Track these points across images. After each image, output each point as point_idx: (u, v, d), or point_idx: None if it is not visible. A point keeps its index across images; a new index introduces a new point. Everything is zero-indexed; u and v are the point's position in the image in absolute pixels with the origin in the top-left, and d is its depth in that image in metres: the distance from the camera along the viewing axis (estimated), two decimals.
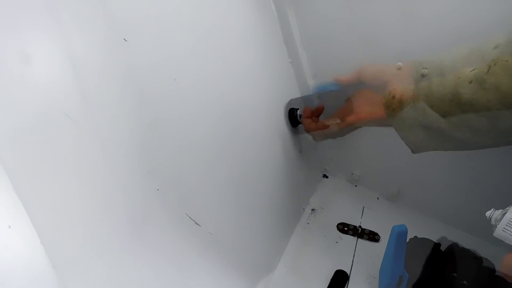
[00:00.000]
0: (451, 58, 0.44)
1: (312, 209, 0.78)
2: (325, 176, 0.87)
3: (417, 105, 0.44)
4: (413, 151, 0.49)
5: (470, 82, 0.39)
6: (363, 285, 0.61)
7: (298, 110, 0.66)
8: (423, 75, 0.46)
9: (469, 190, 0.65)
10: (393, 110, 0.46)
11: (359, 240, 0.70)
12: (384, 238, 0.69)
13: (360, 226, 0.72)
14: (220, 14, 0.53)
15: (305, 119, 0.62)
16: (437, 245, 0.57)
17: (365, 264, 0.64)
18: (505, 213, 0.40)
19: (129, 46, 0.37)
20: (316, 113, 0.60)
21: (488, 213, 0.44)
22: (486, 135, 0.41)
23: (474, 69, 0.39)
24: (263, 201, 0.60)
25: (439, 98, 0.42)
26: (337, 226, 0.73)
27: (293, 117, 0.66)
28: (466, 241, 0.55)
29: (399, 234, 0.50)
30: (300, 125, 0.66)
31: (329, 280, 0.62)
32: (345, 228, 0.72)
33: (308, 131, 0.63)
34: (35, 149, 0.27)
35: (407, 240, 0.52)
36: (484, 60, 0.39)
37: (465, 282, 0.48)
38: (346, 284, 0.61)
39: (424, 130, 0.45)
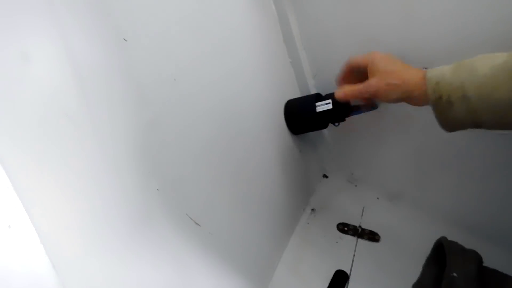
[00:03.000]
0: (473, 78, 0.40)
1: (312, 209, 0.78)
2: (325, 176, 0.87)
3: (470, 106, 0.40)
4: (448, 132, 0.45)
5: None
6: (363, 285, 0.61)
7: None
8: (441, 98, 0.42)
9: (469, 190, 0.65)
10: (440, 111, 0.43)
11: (359, 240, 0.70)
12: (384, 238, 0.69)
13: (360, 226, 0.72)
14: (220, 13, 0.53)
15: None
16: (439, 246, 0.57)
17: (365, 264, 0.64)
18: None
19: (129, 46, 0.37)
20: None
21: None
22: None
23: None
24: (263, 200, 0.60)
25: (494, 101, 0.38)
26: (337, 226, 0.73)
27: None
28: (466, 241, 0.54)
29: None
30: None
31: (329, 280, 0.62)
32: (345, 228, 0.72)
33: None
34: (35, 149, 0.27)
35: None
36: None
37: (454, 274, 0.48)
38: (346, 284, 0.61)
39: (473, 123, 0.42)
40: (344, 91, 0.53)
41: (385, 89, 0.48)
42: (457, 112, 0.42)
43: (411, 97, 0.46)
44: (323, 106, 0.61)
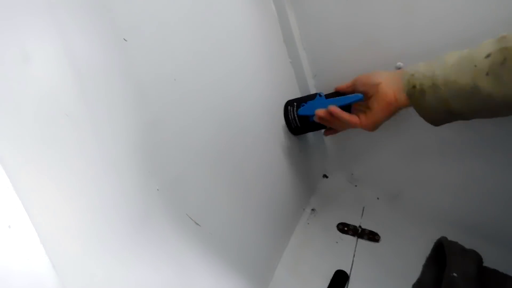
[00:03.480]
0: (442, 68, 0.44)
1: (312, 209, 0.78)
2: (325, 176, 0.87)
3: (438, 94, 0.44)
4: (434, 125, 0.50)
5: (487, 74, 0.39)
6: (363, 285, 0.61)
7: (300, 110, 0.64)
8: (414, 87, 0.47)
9: (469, 190, 0.65)
10: (415, 100, 0.47)
11: (359, 240, 0.70)
12: (384, 238, 0.69)
13: (360, 226, 0.72)
14: (220, 13, 0.53)
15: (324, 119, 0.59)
16: (439, 246, 0.57)
17: (365, 264, 0.64)
18: None
19: (129, 46, 0.37)
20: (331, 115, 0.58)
21: None
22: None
23: (488, 56, 0.39)
24: (263, 201, 0.60)
25: (459, 89, 0.42)
26: (337, 226, 0.73)
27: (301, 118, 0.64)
28: (466, 241, 0.55)
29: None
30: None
31: (329, 280, 0.62)
32: (345, 228, 0.72)
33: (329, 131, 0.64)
34: (35, 149, 0.27)
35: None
36: (477, 69, 0.40)
37: (454, 274, 0.48)
38: (346, 284, 0.61)
39: (446, 112, 0.45)
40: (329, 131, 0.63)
41: (366, 73, 0.54)
42: (429, 100, 0.46)
43: (396, 96, 0.50)
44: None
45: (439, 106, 0.45)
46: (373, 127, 0.54)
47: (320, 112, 0.57)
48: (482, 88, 0.39)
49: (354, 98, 0.56)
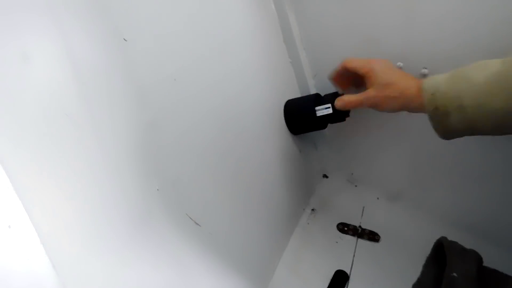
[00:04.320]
0: (469, 88, 0.40)
1: (312, 209, 0.78)
2: (325, 176, 0.87)
3: (465, 116, 0.40)
4: (445, 139, 0.46)
5: None
6: (363, 285, 0.61)
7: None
8: (437, 109, 0.42)
9: (469, 190, 0.65)
10: (438, 122, 0.44)
11: (359, 240, 0.70)
12: (384, 238, 0.69)
13: (360, 226, 0.72)
14: (220, 13, 0.53)
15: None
16: (439, 246, 0.57)
17: (365, 264, 0.64)
18: None
19: (129, 46, 0.37)
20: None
21: None
22: None
23: None
24: (263, 201, 0.60)
25: (490, 112, 0.38)
26: (337, 226, 0.73)
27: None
28: (466, 241, 0.54)
29: None
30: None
31: (329, 280, 0.62)
32: (345, 228, 0.72)
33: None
34: (35, 149, 0.27)
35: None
36: (508, 90, 0.36)
37: (454, 274, 0.48)
38: (346, 284, 0.61)
39: (469, 132, 0.42)
40: (344, 102, 0.55)
41: (384, 101, 0.49)
42: (453, 121, 0.42)
43: (409, 108, 0.47)
44: (323, 110, 0.62)
45: (463, 127, 0.42)
46: (383, 107, 0.50)
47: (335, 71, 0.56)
48: None
49: None
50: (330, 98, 0.61)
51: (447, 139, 0.46)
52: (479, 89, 0.39)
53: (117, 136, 0.34)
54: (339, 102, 0.56)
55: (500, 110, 0.38)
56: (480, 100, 0.39)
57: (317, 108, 0.62)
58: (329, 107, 0.61)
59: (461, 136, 0.44)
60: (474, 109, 0.40)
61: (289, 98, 0.69)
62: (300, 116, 0.66)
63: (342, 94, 0.60)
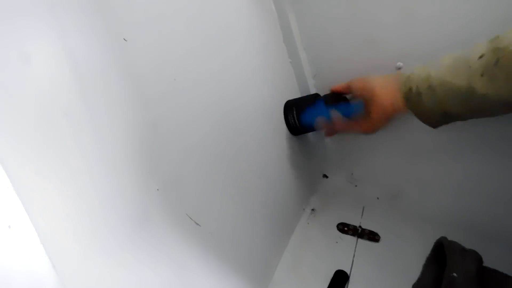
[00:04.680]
0: (437, 70, 0.44)
1: (312, 209, 0.78)
2: (325, 176, 0.87)
3: (435, 96, 0.44)
4: (432, 127, 0.50)
5: (482, 75, 0.39)
6: (363, 285, 0.61)
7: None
8: (411, 90, 0.47)
9: (469, 189, 0.65)
10: (412, 103, 0.47)
11: (359, 240, 0.70)
12: (384, 238, 0.69)
13: (360, 226, 0.72)
14: (220, 13, 0.53)
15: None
16: (439, 246, 0.57)
17: (365, 264, 0.64)
18: None
19: (129, 46, 0.37)
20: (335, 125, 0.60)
21: None
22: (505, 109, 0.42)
23: (481, 56, 0.39)
24: (263, 201, 0.60)
25: (454, 90, 0.42)
26: (337, 226, 0.73)
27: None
28: (466, 241, 0.54)
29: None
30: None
31: (329, 280, 0.62)
32: (345, 228, 0.72)
33: (332, 133, 0.64)
34: (35, 149, 0.27)
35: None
36: (472, 70, 0.40)
37: (454, 274, 0.48)
38: (346, 284, 0.61)
39: (443, 113, 0.46)
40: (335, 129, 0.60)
41: (364, 80, 0.54)
42: (426, 102, 0.46)
43: (387, 90, 0.51)
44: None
45: (435, 107, 0.45)
46: (373, 131, 0.56)
47: (323, 124, 0.60)
48: (477, 89, 0.40)
49: (355, 111, 0.57)
50: (329, 99, 0.62)
51: (432, 126, 0.49)
52: (445, 69, 0.43)
53: (117, 136, 0.34)
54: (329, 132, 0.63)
55: (463, 89, 0.41)
56: (445, 79, 0.43)
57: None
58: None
59: (443, 122, 0.47)
60: (441, 89, 0.43)
61: (289, 98, 0.69)
62: (303, 124, 0.66)
63: (340, 96, 0.60)
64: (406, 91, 0.48)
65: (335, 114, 0.58)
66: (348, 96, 0.62)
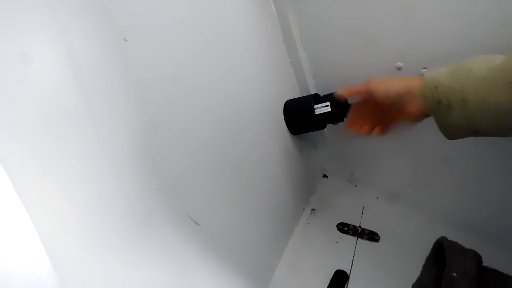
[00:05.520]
0: (472, 82, 0.39)
1: (312, 209, 0.78)
2: (325, 176, 0.87)
3: (466, 111, 0.40)
4: (449, 139, 0.45)
5: None
6: (363, 285, 0.61)
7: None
8: (440, 102, 0.42)
9: (469, 190, 0.65)
10: (439, 115, 0.43)
11: (359, 240, 0.70)
12: (384, 238, 0.69)
13: (360, 226, 0.72)
14: (220, 14, 0.53)
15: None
16: (439, 246, 0.57)
17: (365, 264, 0.64)
18: None
19: (129, 46, 0.37)
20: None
21: None
22: None
23: None
24: (263, 201, 0.60)
25: (491, 107, 0.38)
26: (337, 226, 0.73)
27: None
28: (466, 241, 0.54)
29: None
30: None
31: (329, 280, 0.62)
32: (345, 228, 0.72)
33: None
34: (36, 149, 0.27)
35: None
36: (510, 86, 0.36)
37: (454, 274, 0.48)
38: (346, 284, 0.61)
39: (470, 129, 0.42)
40: (345, 88, 0.52)
41: (384, 83, 0.47)
42: (456, 116, 0.41)
43: (408, 100, 0.45)
44: (321, 108, 0.62)
45: (464, 122, 0.41)
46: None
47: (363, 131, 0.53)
48: None
49: None
50: (329, 98, 0.62)
51: (451, 138, 0.45)
52: (481, 83, 0.38)
53: (117, 136, 0.34)
54: (339, 90, 0.52)
55: (501, 106, 0.37)
56: (481, 94, 0.38)
57: (315, 106, 0.62)
58: (327, 105, 0.61)
59: (464, 136, 0.43)
60: (476, 104, 0.39)
61: (289, 98, 0.69)
62: (299, 115, 0.66)
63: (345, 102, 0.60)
64: (434, 103, 0.43)
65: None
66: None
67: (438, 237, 0.57)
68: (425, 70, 0.56)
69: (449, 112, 0.41)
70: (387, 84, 0.47)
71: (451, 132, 0.44)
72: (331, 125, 0.67)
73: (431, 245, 0.59)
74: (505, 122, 0.38)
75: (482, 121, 0.39)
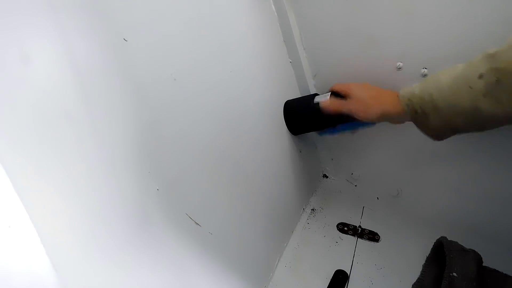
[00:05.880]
0: (439, 90, 0.44)
1: (312, 209, 0.78)
2: (325, 176, 0.87)
3: (441, 116, 0.44)
4: (437, 140, 0.49)
5: (485, 96, 0.39)
6: (363, 285, 0.61)
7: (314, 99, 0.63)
8: (416, 112, 0.47)
9: (469, 190, 0.65)
10: (420, 122, 0.48)
11: (359, 240, 0.70)
12: (384, 238, 0.69)
13: (360, 226, 0.72)
14: (220, 14, 0.53)
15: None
16: (439, 246, 0.57)
17: (365, 264, 0.64)
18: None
19: (129, 46, 0.37)
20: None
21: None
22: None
23: (480, 76, 0.39)
24: (263, 201, 0.60)
25: (460, 111, 0.42)
26: (337, 226, 0.73)
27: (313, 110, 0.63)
28: (466, 241, 0.54)
29: None
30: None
31: (329, 280, 0.62)
32: (345, 228, 0.72)
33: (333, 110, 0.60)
34: (36, 149, 0.27)
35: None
36: (474, 91, 0.40)
37: (454, 274, 0.48)
38: (346, 284, 0.61)
39: (451, 129, 0.46)
40: (328, 102, 0.60)
41: (360, 109, 0.54)
42: (433, 122, 0.46)
43: (389, 115, 0.51)
44: (321, 97, 0.63)
45: (443, 125, 0.45)
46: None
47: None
48: (483, 110, 0.39)
49: (366, 126, 0.58)
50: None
51: (439, 140, 0.49)
52: (448, 90, 0.43)
53: (117, 136, 0.34)
54: (324, 102, 0.60)
55: (468, 109, 0.41)
56: (450, 100, 0.43)
57: (316, 97, 0.63)
58: (327, 95, 0.61)
59: (450, 135, 0.47)
60: (447, 110, 0.43)
61: (289, 98, 0.69)
62: (300, 116, 0.66)
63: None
64: (411, 114, 0.48)
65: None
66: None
67: (438, 237, 0.57)
68: (425, 70, 0.57)
69: (427, 119, 0.46)
70: (366, 110, 0.53)
71: (435, 134, 0.48)
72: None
73: (431, 245, 0.59)
74: (479, 121, 0.42)
75: (457, 122, 0.44)
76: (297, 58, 0.70)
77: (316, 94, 0.67)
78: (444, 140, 0.48)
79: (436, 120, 0.45)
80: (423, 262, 0.58)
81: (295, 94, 0.72)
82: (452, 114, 0.43)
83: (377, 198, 0.78)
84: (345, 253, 0.67)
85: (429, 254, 0.58)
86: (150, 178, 0.37)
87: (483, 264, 0.52)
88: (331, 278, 0.62)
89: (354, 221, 0.74)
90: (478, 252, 0.53)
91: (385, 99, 0.51)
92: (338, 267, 0.64)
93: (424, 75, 0.57)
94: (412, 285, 0.54)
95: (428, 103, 0.45)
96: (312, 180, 0.83)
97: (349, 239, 0.70)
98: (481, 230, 0.63)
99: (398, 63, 0.60)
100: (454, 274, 0.48)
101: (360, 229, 0.71)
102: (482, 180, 0.62)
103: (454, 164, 0.64)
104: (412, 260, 0.59)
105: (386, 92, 0.53)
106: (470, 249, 0.53)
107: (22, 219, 0.24)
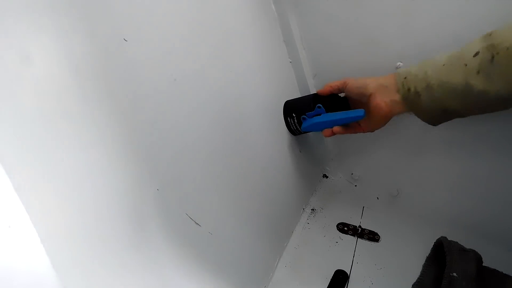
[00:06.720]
0: (434, 69, 0.45)
1: (312, 209, 0.78)
2: (325, 176, 0.87)
3: (433, 94, 0.45)
4: (432, 125, 0.50)
5: (478, 73, 0.40)
6: (363, 285, 0.61)
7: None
8: (409, 90, 0.47)
9: (469, 189, 0.65)
10: (411, 102, 0.48)
11: (359, 240, 0.70)
12: (384, 238, 0.69)
13: (360, 226, 0.72)
14: (220, 14, 0.53)
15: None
16: (439, 246, 0.57)
17: (365, 264, 0.64)
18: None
19: (129, 46, 0.37)
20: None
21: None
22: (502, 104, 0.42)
23: (476, 54, 0.40)
24: (263, 201, 0.60)
25: (452, 88, 0.43)
26: (337, 226, 0.73)
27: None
28: (466, 241, 0.55)
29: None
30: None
31: (329, 280, 0.62)
32: (345, 228, 0.72)
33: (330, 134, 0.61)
34: (36, 149, 0.27)
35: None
36: (468, 68, 0.40)
37: (454, 274, 0.48)
38: (346, 284, 0.61)
39: (442, 111, 0.46)
40: (326, 85, 0.61)
41: (361, 82, 0.54)
42: (425, 101, 0.46)
43: (385, 91, 0.51)
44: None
45: (435, 106, 0.46)
46: (373, 130, 0.56)
47: (326, 133, 0.60)
48: (474, 87, 0.40)
49: (355, 117, 0.57)
50: (324, 98, 0.62)
51: (434, 124, 0.49)
52: (442, 68, 0.44)
53: (117, 136, 0.34)
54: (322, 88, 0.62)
55: (460, 87, 0.42)
56: (442, 78, 0.43)
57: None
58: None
59: (443, 119, 0.48)
60: (439, 87, 0.44)
61: (289, 98, 0.69)
62: (299, 114, 0.66)
63: (336, 97, 0.60)
64: (404, 92, 0.48)
65: (338, 130, 0.59)
66: (341, 94, 0.62)
67: (438, 237, 0.57)
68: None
69: (419, 99, 0.47)
70: (364, 80, 0.54)
71: (427, 116, 0.49)
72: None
73: (431, 245, 0.59)
74: (469, 100, 0.42)
75: (448, 101, 0.44)
76: (297, 58, 0.70)
77: (316, 94, 0.67)
78: (438, 127, 0.49)
79: (428, 100, 0.46)
80: (423, 262, 0.58)
81: (295, 94, 0.72)
82: (442, 92, 0.44)
83: (377, 198, 0.78)
84: (345, 253, 0.67)
85: (429, 254, 0.58)
86: (150, 178, 0.37)
87: (483, 264, 0.52)
88: (331, 278, 0.62)
89: (354, 221, 0.74)
90: (478, 252, 0.53)
91: (382, 77, 0.52)
92: (338, 267, 0.64)
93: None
94: (412, 285, 0.54)
95: (422, 80, 0.46)
96: (312, 180, 0.83)
97: (349, 239, 0.70)
98: (481, 230, 0.63)
99: (398, 63, 0.60)
100: (454, 274, 0.48)
101: (360, 229, 0.71)
102: (482, 180, 0.62)
103: (454, 164, 0.64)
104: (412, 260, 0.59)
105: (383, 76, 0.54)
106: (470, 249, 0.53)
107: (22, 219, 0.24)
